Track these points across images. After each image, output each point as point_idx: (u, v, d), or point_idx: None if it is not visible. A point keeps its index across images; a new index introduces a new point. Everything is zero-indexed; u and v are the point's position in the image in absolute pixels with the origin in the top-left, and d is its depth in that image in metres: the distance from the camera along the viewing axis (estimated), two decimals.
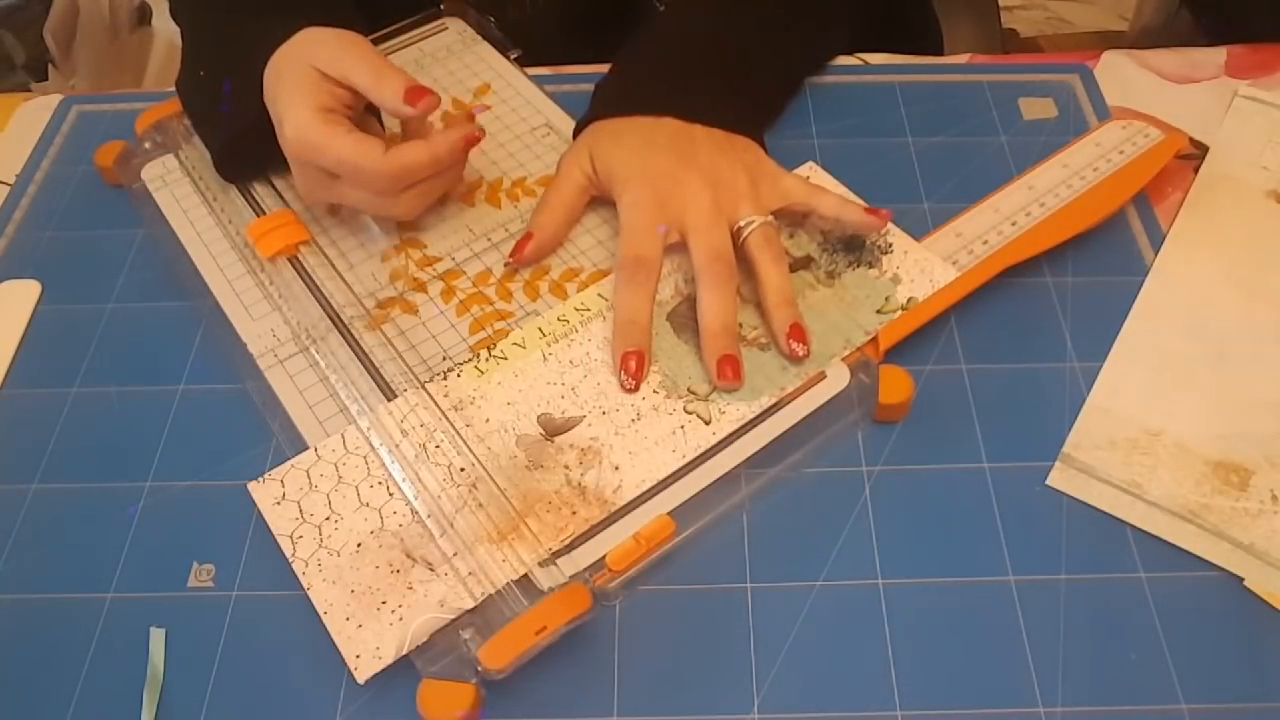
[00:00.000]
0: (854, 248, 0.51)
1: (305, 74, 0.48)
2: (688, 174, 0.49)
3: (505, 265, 0.51)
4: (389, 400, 0.45)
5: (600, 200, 0.53)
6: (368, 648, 0.38)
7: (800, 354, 0.46)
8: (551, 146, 0.58)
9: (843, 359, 0.46)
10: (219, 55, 0.54)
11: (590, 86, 0.56)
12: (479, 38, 0.65)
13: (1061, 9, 1.51)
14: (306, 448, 0.44)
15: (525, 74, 0.62)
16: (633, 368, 0.45)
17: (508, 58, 0.63)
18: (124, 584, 0.43)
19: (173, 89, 0.56)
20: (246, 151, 0.53)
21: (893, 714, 0.38)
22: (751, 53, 0.57)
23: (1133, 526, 0.43)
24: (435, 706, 0.37)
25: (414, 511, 0.42)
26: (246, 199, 0.54)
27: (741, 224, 0.48)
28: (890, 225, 0.51)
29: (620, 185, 0.50)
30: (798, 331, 0.46)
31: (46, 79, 1.20)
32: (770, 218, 0.49)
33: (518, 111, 0.60)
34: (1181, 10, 0.87)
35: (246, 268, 0.52)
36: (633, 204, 0.49)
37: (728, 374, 0.45)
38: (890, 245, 0.51)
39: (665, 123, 0.51)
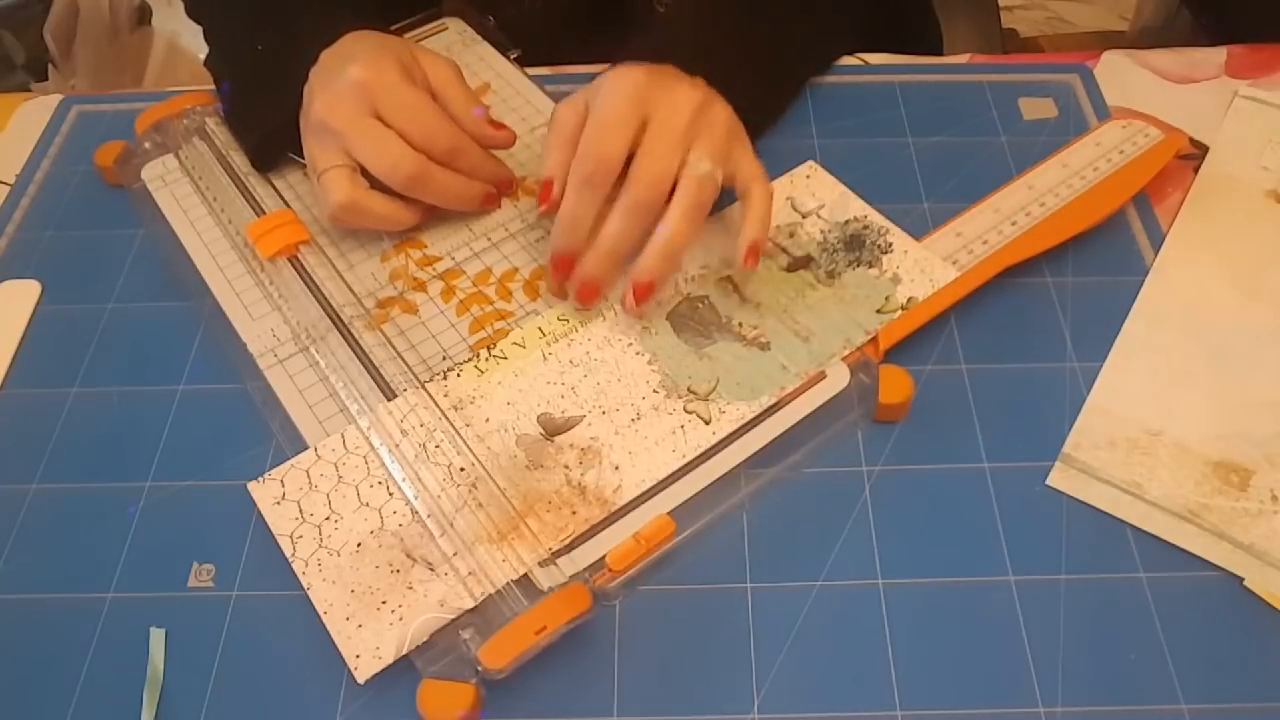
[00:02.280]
0: (854, 247, 0.51)
1: (385, 50, 0.50)
2: (679, 84, 0.47)
3: (540, 214, 0.50)
4: (389, 400, 0.45)
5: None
6: (368, 647, 0.38)
7: (634, 309, 0.46)
8: None
9: (843, 359, 0.46)
10: (265, 49, 0.55)
11: None
12: (479, 38, 0.65)
13: (1061, 9, 1.51)
14: (306, 448, 0.44)
15: (525, 74, 0.62)
16: (565, 267, 0.46)
17: (508, 58, 0.63)
18: (124, 584, 0.43)
19: (172, 89, 0.56)
20: (287, 141, 0.53)
21: (893, 714, 0.38)
22: (749, 54, 0.57)
23: (1133, 526, 0.43)
24: (435, 706, 0.37)
25: (414, 511, 0.42)
26: (246, 199, 0.54)
27: (690, 158, 0.46)
28: (890, 225, 0.52)
29: (604, 80, 0.47)
30: (646, 289, 0.46)
31: (46, 79, 1.20)
32: (718, 170, 0.46)
33: (518, 111, 0.60)
34: (1181, 10, 0.87)
35: (246, 268, 0.52)
36: (610, 91, 0.46)
37: (585, 295, 0.46)
38: (890, 245, 0.51)
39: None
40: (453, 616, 0.39)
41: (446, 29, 0.65)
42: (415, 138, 0.48)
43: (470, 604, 0.39)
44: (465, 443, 0.44)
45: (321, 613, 0.39)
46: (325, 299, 0.49)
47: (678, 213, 0.45)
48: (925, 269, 0.50)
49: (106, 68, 1.22)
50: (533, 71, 0.63)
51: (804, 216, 0.53)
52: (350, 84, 0.48)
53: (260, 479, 0.43)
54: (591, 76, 0.56)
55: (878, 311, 0.48)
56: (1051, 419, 0.46)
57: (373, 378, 0.46)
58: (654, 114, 0.46)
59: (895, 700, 0.39)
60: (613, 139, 0.45)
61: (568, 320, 0.48)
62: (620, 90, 0.46)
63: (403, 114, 0.48)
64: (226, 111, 0.57)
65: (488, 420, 0.45)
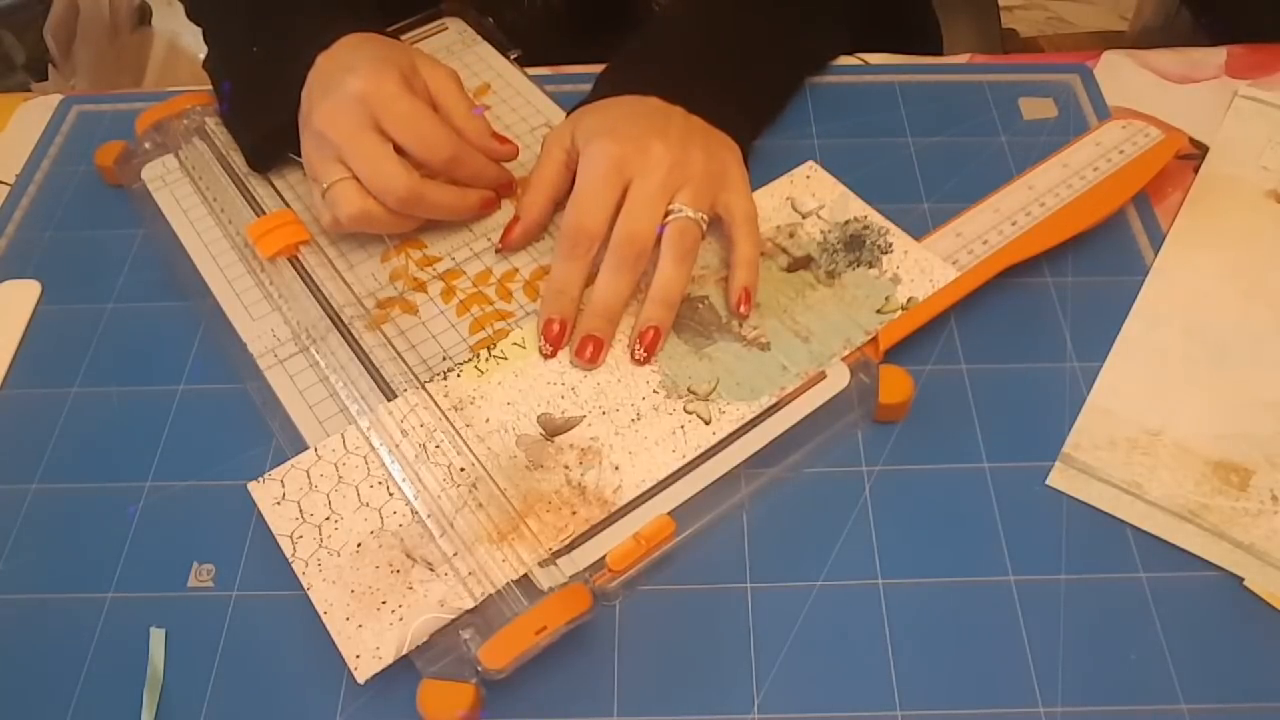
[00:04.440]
0: (854, 247, 0.51)
1: (385, 59, 0.50)
2: (653, 141, 0.48)
3: (496, 252, 0.52)
4: (389, 400, 0.45)
5: None
6: (368, 648, 0.38)
7: (644, 359, 0.46)
8: None
9: (843, 359, 0.46)
10: (262, 51, 0.55)
11: (590, 86, 0.56)
12: (479, 38, 0.64)
13: (1061, 9, 1.51)
14: (306, 448, 0.44)
15: (525, 74, 0.62)
16: (555, 332, 0.47)
17: (508, 58, 0.63)
18: (124, 584, 0.43)
19: (172, 89, 0.56)
20: (284, 143, 0.53)
21: (893, 714, 0.38)
22: (747, 52, 0.57)
23: (1133, 526, 0.43)
24: (435, 706, 0.37)
25: (414, 511, 0.42)
26: (246, 199, 0.54)
27: (671, 208, 0.48)
28: (890, 225, 0.52)
29: (585, 141, 0.49)
30: (651, 338, 0.46)
31: (46, 79, 1.20)
32: (700, 214, 0.48)
33: (517, 111, 0.60)
34: (1181, 10, 0.87)
35: (246, 268, 0.52)
36: (592, 158, 0.48)
37: (586, 352, 0.46)
38: (890, 245, 0.51)
39: (648, 100, 0.51)
40: (453, 616, 0.39)
41: (446, 29, 0.65)
42: (416, 148, 0.49)
43: (470, 604, 0.39)
44: (465, 443, 0.44)
45: (321, 613, 0.39)
46: (325, 299, 0.49)
47: (668, 260, 0.47)
48: (925, 269, 0.50)
49: (106, 68, 1.22)
50: (533, 71, 0.63)
51: (804, 217, 0.53)
52: (350, 96, 0.48)
53: (260, 479, 0.43)
54: (592, 77, 0.56)
55: (878, 311, 0.48)
56: (1051, 419, 0.46)
57: (373, 378, 0.46)
58: (634, 178, 0.48)
59: (895, 700, 0.39)
60: (594, 212, 0.47)
61: None
62: (601, 162, 0.48)
63: (403, 125, 0.48)
64: (225, 112, 0.57)
65: (488, 420, 0.45)
